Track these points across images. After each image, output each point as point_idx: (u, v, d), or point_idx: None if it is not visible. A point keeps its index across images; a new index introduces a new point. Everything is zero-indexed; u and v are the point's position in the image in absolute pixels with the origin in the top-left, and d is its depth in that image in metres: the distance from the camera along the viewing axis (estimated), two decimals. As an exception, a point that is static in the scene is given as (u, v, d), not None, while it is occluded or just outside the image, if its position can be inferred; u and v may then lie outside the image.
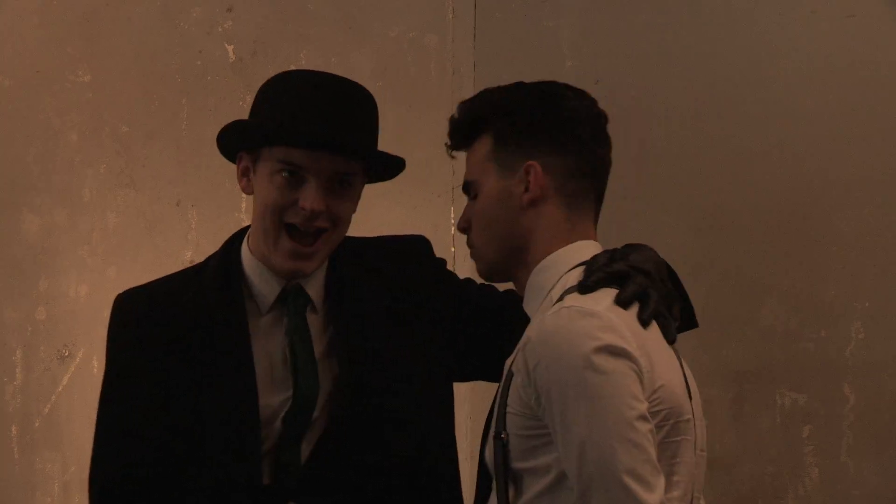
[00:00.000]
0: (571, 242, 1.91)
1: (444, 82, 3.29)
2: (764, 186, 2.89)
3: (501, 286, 2.26)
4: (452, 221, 3.25)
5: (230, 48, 3.27)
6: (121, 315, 2.11)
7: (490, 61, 3.24)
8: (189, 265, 2.24)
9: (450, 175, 3.18)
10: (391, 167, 2.11)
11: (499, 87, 1.99)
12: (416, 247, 2.25)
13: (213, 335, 2.05)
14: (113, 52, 3.27)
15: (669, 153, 2.97)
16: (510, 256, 1.94)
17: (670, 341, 1.86)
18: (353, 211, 2.09)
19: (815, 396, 2.83)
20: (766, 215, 2.89)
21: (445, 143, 2.04)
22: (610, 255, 1.88)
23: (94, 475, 2.08)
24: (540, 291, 1.90)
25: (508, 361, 1.85)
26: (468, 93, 3.26)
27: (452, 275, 2.30)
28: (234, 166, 2.14)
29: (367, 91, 2.08)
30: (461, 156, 2.01)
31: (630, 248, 1.91)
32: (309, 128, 1.99)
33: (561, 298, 1.82)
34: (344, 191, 2.04)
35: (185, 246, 3.26)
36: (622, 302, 1.79)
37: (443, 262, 2.28)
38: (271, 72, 2.11)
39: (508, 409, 1.80)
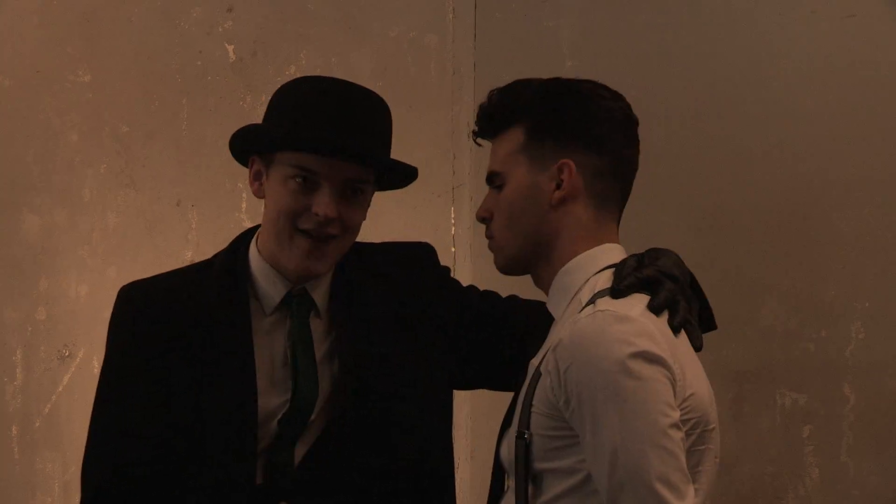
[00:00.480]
0: (597, 243, 1.91)
1: (444, 82, 3.29)
2: (764, 186, 2.89)
3: (503, 291, 2.27)
4: (452, 221, 3.25)
5: (230, 48, 3.27)
6: (124, 308, 2.11)
7: (490, 61, 3.24)
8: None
9: (450, 175, 3.18)
10: (403, 176, 2.12)
11: (536, 80, 1.97)
12: (421, 253, 2.26)
13: (216, 333, 2.05)
14: (113, 52, 3.26)
15: (669, 153, 2.97)
16: (533, 252, 1.94)
17: (697, 349, 1.86)
18: (363, 219, 2.10)
19: (816, 396, 2.83)
20: (766, 215, 2.89)
21: (472, 130, 2.03)
22: (638, 260, 1.88)
23: (87, 471, 2.06)
24: (566, 293, 1.90)
25: (535, 361, 1.85)
26: (468, 93, 3.26)
27: (455, 282, 2.31)
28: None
29: (382, 99, 2.08)
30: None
31: (655, 252, 1.91)
32: (325, 134, 2.00)
33: (591, 301, 1.81)
34: (356, 198, 2.05)
35: (185, 246, 3.26)
36: (655, 308, 1.80)
37: (447, 269, 2.29)
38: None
39: (534, 409, 1.80)
